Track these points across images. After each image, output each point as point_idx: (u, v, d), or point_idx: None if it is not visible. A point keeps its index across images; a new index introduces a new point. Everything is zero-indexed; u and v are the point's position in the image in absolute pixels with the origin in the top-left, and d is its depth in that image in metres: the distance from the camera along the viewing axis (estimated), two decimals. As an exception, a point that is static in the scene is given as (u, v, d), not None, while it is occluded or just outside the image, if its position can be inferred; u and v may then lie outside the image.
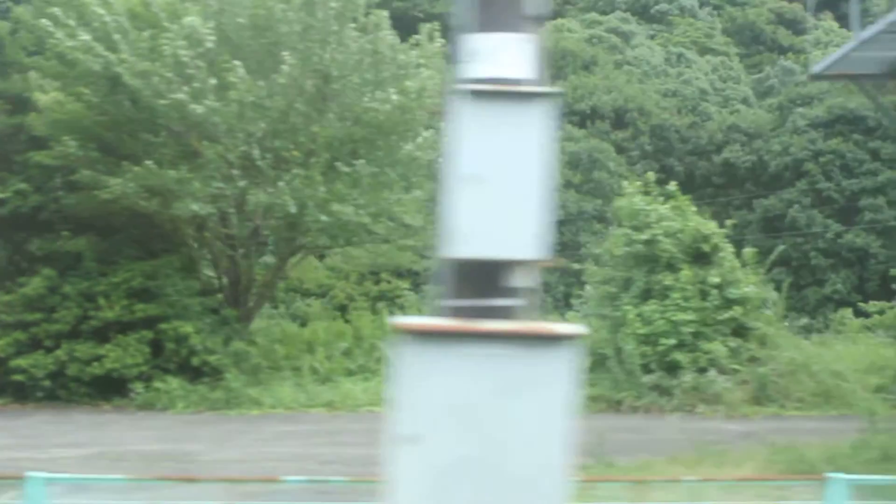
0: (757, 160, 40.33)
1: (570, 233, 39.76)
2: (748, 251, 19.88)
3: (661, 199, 20.03)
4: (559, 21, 54.21)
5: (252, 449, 14.89)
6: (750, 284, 19.31)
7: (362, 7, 19.81)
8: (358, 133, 20.08)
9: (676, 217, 19.47)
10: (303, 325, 25.90)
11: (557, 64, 49.78)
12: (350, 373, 20.06)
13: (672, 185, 20.13)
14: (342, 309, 32.88)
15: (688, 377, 18.29)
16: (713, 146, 42.87)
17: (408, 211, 19.62)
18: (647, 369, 18.71)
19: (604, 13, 56.52)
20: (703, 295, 18.96)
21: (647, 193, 20.02)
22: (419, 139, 20.46)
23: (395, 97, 19.71)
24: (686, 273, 18.93)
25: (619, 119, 46.17)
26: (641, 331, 18.87)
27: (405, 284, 34.81)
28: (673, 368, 18.54)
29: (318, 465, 12.99)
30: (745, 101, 48.53)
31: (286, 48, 18.26)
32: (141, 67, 18.05)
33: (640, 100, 46.31)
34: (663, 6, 56.71)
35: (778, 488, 10.62)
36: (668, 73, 49.63)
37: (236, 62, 18.15)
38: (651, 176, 20.30)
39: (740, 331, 19.31)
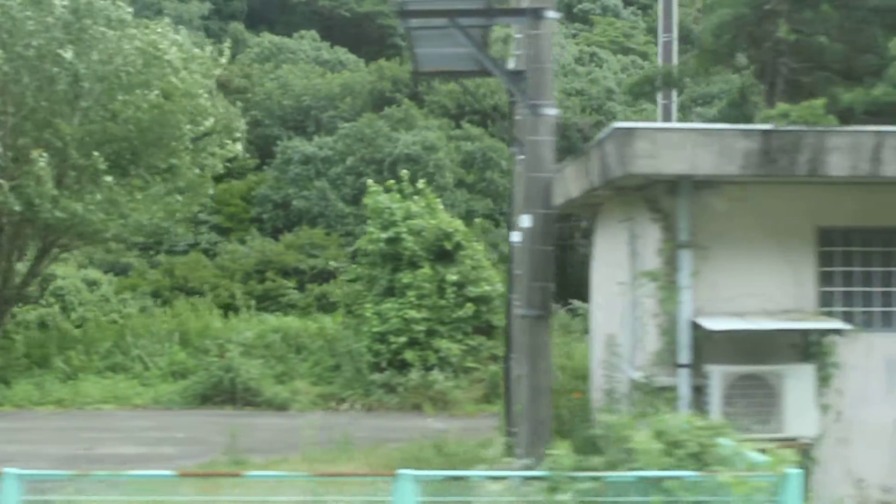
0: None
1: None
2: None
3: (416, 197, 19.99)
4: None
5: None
6: (497, 283, 19.23)
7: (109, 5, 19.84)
8: (118, 132, 20.12)
9: (424, 215, 19.42)
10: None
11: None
12: (98, 371, 20.08)
13: (421, 184, 20.07)
14: (227, 307, 32.96)
15: (414, 375, 18.24)
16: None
17: (142, 210, 19.58)
18: (378, 367, 18.67)
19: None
20: (441, 293, 18.89)
21: (399, 192, 19.97)
22: (185, 139, 20.50)
23: (155, 97, 19.76)
24: (425, 271, 18.88)
25: (523, 118, 46.06)
26: (377, 329, 18.84)
27: (291, 284, 34.82)
28: (404, 367, 18.49)
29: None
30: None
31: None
32: None
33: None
34: (586, 5, 56.57)
35: (361, 483, 10.59)
36: (578, 72, 49.47)
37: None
38: (406, 174, 20.24)
39: (487, 329, 19.24)
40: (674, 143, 8.48)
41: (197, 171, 20.78)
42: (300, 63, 53.43)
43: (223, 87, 53.04)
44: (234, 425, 15.52)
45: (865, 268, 9.44)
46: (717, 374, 8.83)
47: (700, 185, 9.18)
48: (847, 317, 9.40)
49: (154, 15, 60.43)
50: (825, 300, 9.39)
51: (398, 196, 19.65)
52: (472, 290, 18.87)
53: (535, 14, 9.96)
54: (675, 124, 9.62)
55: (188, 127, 20.40)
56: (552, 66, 10.25)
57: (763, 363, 9.05)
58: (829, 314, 9.35)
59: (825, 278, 9.40)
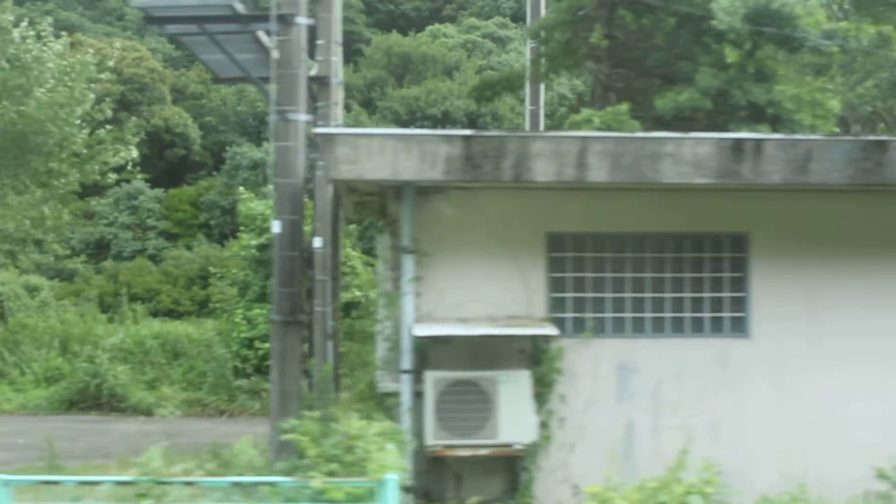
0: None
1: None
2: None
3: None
4: (435, 27, 54.34)
5: None
6: (369, 290, 19.23)
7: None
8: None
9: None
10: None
11: (416, 69, 49.86)
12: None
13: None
14: (169, 313, 32.99)
15: (278, 381, 18.20)
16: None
17: (8, 217, 19.61)
18: (245, 373, 18.68)
19: (488, 17, 56.55)
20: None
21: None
22: (70, 146, 20.54)
23: (35, 102, 19.81)
24: (295, 277, 18.86)
25: (472, 123, 46.08)
26: (245, 334, 18.85)
27: (234, 291, 34.84)
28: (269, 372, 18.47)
29: None
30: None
31: None
32: None
33: (495, 104, 46.19)
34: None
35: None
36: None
37: None
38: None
39: (358, 335, 19.24)
40: (374, 148, 8.48)
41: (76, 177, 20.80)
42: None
43: (179, 92, 53.26)
44: (84, 430, 15.54)
45: (596, 273, 9.43)
46: (430, 380, 8.81)
47: (428, 190, 9.19)
48: (578, 323, 9.39)
49: (116, 21, 60.54)
50: (556, 306, 9.38)
51: (267, 203, 19.66)
52: (341, 297, 18.85)
53: (284, 20, 9.97)
54: (377, 129, 9.59)
55: (79, 135, 20.45)
56: (305, 72, 10.26)
57: (490, 369, 9.03)
58: (560, 320, 9.35)
59: (556, 284, 9.39)
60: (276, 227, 10.12)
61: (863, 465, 8.56)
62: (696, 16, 12.90)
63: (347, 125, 42.71)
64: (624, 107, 12.34)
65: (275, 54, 9.89)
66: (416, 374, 9.02)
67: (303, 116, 10.09)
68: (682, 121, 12.83)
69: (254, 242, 19.13)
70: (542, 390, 9.19)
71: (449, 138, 8.54)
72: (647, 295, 9.43)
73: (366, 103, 49.76)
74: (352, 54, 54.17)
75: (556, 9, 13.96)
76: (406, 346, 9.04)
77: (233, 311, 19.56)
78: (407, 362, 9.06)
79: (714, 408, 9.38)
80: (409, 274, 9.09)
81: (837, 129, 14.81)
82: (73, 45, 47.85)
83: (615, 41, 13.64)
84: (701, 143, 8.58)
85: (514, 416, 8.81)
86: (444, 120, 47.00)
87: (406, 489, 9.04)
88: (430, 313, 9.25)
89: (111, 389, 18.43)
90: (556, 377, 9.21)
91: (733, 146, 8.59)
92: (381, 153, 8.48)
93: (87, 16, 56.68)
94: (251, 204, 19.49)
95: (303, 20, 10.04)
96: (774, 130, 12.73)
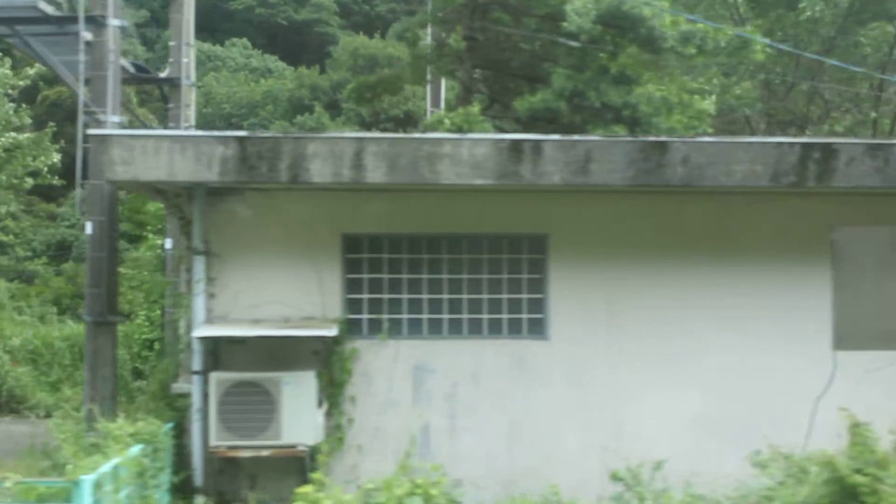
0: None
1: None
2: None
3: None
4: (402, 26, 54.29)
5: None
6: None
7: None
8: None
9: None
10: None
11: (382, 71, 49.83)
12: None
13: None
14: (126, 315, 32.96)
15: (177, 382, 18.21)
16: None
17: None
18: (144, 375, 18.63)
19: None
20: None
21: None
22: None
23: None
24: (197, 278, 18.85)
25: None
26: (147, 335, 18.84)
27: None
28: (169, 373, 18.46)
29: None
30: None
31: None
32: None
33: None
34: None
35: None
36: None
37: None
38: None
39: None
40: (149, 149, 8.48)
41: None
42: (223, 71, 53.59)
43: (146, 94, 53.35)
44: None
45: (393, 275, 9.41)
46: (213, 381, 8.79)
47: (224, 192, 9.20)
48: (375, 324, 9.38)
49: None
50: (353, 307, 9.37)
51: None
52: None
53: (95, 21, 9.98)
54: (152, 131, 9.61)
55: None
56: (118, 73, 10.27)
57: (286, 370, 9.01)
58: (357, 322, 9.34)
59: (352, 285, 9.38)
60: (87, 228, 10.12)
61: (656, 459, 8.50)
62: (555, 17, 12.87)
63: (306, 128, 42.69)
64: (476, 108, 12.32)
65: (83, 56, 9.89)
66: (206, 375, 9.01)
67: (114, 118, 10.08)
68: (543, 122, 12.79)
69: (159, 242, 19.08)
70: (335, 391, 9.19)
71: (224, 139, 8.54)
72: (445, 296, 9.42)
73: (331, 105, 49.81)
74: (325, 56, 54.33)
75: (422, 10, 13.92)
76: (196, 347, 9.04)
77: (136, 313, 19.53)
78: (197, 363, 9.05)
79: (511, 409, 9.36)
80: (199, 275, 9.08)
81: (711, 130, 14.76)
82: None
83: (476, 43, 13.60)
84: (478, 144, 8.56)
85: (297, 418, 8.78)
86: (407, 121, 47.04)
87: (195, 490, 9.07)
88: (226, 314, 9.25)
89: (10, 391, 18.42)
90: (349, 378, 9.19)
91: (511, 147, 8.57)
92: (156, 154, 8.47)
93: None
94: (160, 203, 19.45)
95: (115, 22, 10.04)
96: (632, 133, 12.69)
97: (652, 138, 8.74)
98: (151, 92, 35.41)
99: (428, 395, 9.35)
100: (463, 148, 8.55)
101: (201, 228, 9.11)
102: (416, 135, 8.56)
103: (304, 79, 51.38)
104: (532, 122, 13.12)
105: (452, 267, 9.43)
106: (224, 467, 9.21)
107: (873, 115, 18.22)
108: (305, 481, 9.20)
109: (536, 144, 8.59)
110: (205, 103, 51.83)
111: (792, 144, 8.73)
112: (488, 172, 8.58)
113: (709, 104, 14.56)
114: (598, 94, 12.66)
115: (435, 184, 8.63)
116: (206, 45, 57.60)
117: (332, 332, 8.81)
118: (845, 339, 9.55)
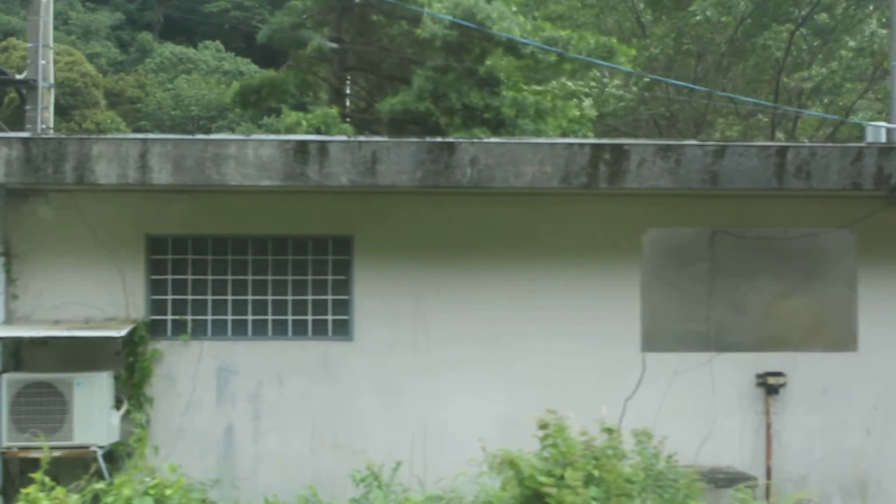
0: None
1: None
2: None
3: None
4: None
5: None
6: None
7: None
8: None
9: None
10: None
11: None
12: None
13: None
14: None
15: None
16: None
17: None
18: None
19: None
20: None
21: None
22: None
23: None
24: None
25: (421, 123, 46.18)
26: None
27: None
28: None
29: None
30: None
31: None
32: None
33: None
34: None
35: None
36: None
37: None
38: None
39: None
40: (-65, 150, 8.49)
41: None
42: (194, 73, 53.68)
43: (116, 96, 53.38)
44: None
45: (197, 276, 9.42)
46: (5, 382, 8.82)
47: (27, 192, 9.22)
48: (179, 325, 9.39)
49: (61, 25, 60.73)
50: (157, 308, 9.38)
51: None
52: None
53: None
54: None
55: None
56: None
57: (88, 370, 9.03)
58: (161, 322, 9.35)
59: (156, 286, 9.39)
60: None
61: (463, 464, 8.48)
62: (420, 21, 12.89)
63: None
64: (334, 109, 12.33)
65: None
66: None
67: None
68: (412, 125, 12.80)
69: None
70: (136, 392, 9.20)
71: (7, 140, 8.55)
72: (250, 297, 9.43)
73: (299, 106, 49.78)
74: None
75: (289, 12, 13.90)
76: (-4, 348, 9.06)
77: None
78: (-2, 364, 9.07)
79: (315, 410, 9.36)
80: (-2, 277, 9.11)
81: (592, 134, 14.74)
82: (5, 49, 47.93)
83: (343, 44, 13.61)
84: (264, 146, 8.57)
85: (90, 418, 8.80)
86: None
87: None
88: (28, 315, 9.27)
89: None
90: (149, 379, 9.20)
91: (297, 148, 8.58)
92: (-56, 156, 8.49)
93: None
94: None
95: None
96: (496, 135, 12.69)
97: (439, 139, 8.73)
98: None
99: (232, 396, 9.36)
100: (248, 149, 8.56)
101: (2, 230, 9.13)
102: (201, 136, 8.56)
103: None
104: (401, 123, 13.13)
105: (257, 268, 9.44)
106: (26, 468, 9.21)
107: (764, 119, 18.18)
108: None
109: (322, 146, 8.59)
110: (174, 106, 51.97)
111: (582, 145, 8.71)
112: (275, 174, 8.59)
113: (588, 107, 14.55)
114: (459, 96, 12.65)
115: (222, 185, 8.63)
116: (179, 48, 57.73)
117: (120, 333, 8.81)
118: (654, 341, 9.54)
